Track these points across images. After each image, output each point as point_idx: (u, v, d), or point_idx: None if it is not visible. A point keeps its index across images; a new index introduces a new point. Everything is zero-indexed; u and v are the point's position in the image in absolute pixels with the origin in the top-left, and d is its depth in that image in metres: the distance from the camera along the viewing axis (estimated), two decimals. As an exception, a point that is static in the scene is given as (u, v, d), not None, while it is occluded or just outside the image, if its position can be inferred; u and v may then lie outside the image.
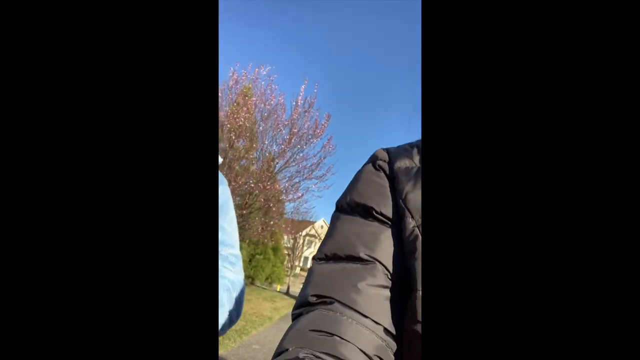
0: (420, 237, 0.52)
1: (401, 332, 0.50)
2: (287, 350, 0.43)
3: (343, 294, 0.49)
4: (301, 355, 0.41)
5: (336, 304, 0.48)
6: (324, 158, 12.08)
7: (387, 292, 0.51)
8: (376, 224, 0.56)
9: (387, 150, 0.65)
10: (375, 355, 0.46)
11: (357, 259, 0.52)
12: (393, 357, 0.48)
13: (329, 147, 12.11)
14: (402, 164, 0.61)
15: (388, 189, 0.59)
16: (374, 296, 0.49)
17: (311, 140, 11.77)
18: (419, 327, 0.48)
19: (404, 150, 0.63)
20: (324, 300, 0.49)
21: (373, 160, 0.65)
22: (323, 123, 11.84)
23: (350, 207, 0.59)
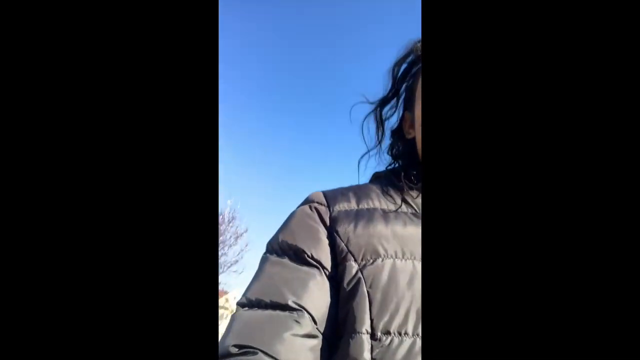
0: (362, 279, 0.52)
1: None
2: None
3: (268, 345, 0.46)
4: None
5: (260, 355, 0.45)
6: (242, 258, 15.37)
7: (313, 342, 0.49)
8: (306, 268, 0.55)
9: (324, 193, 0.64)
10: None
11: (284, 307, 0.50)
12: None
13: (246, 249, 15.60)
14: (342, 206, 0.61)
15: (322, 233, 0.58)
16: (299, 346, 0.47)
17: (232, 247, 15.17)
18: None
19: (340, 194, 0.64)
20: (246, 351, 0.46)
21: (309, 202, 0.64)
22: (242, 234, 15.53)
23: (281, 249, 0.58)
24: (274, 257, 0.57)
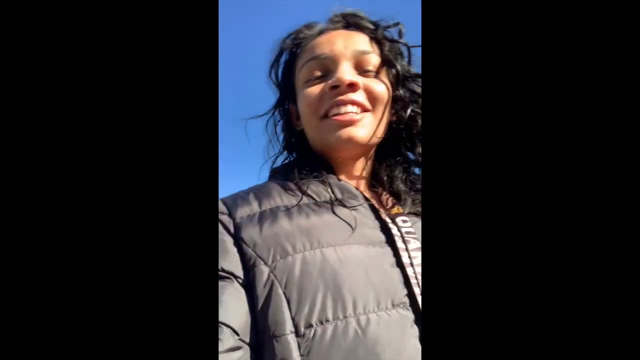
0: (276, 281, 0.52)
1: None
2: None
3: None
4: None
5: None
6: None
7: (238, 354, 0.49)
8: (219, 282, 0.54)
9: (224, 201, 0.64)
10: None
11: None
12: None
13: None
14: (244, 212, 0.61)
15: (228, 242, 0.58)
16: None
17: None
18: None
19: (241, 199, 0.64)
20: None
21: None
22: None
23: None
24: None
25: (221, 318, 0.49)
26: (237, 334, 0.50)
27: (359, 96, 0.67)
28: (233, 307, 0.51)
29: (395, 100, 0.73)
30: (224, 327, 0.49)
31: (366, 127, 0.68)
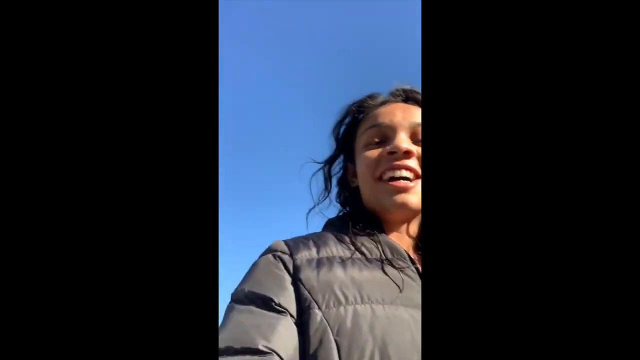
0: (329, 327, 0.54)
1: None
2: None
3: None
4: None
5: None
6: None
7: None
8: (274, 314, 0.56)
9: (286, 243, 0.68)
10: None
11: (254, 351, 0.51)
12: None
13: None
14: (304, 255, 0.65)
15: (287, 280, 0.61)
16: None
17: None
18: None
19: (302, 243, 0.68)
20: None
21: (272, 251, 0.67)
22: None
23: (247, 298, 0.59)
24: (241, 306, 0.58)
25: (273, 346, 0.51)
26: None
27: (413, 163, 0.74)
28: (285, 339, 0.54)
29: None
30: (275, 356, 0.51)
31: (419, 194, 0.73)
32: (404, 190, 0.72)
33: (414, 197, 0.73)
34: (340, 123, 0.89)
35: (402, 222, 0.77)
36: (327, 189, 0.90)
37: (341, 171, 0.91)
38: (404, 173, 0.73)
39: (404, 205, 0.72)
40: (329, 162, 0.91)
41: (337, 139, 0.90)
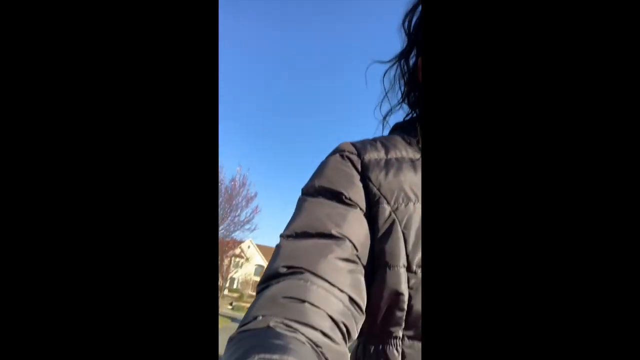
0: (397, 220, 0.57)
1: (364, 302, 0.54)
2: (256, 318, 0.43)
3: (314, 265, 0.51)
4: (272, 324, 0.42)
5: (307, 274, 0.50)
6: (253, 218, 20.46)
7: (353, 266, 0.54)
8: (344, 206, 0.58)
9: (353, 144, 0.67)
10: (341, 321, 0.49)
11: (327, 236, 0.54)
12: (354, 323, 0.52)
13: (256, 210, 20.78)
14: (372, 155, 0.64)
15: (356, 177, 0.62)
16: (342, 268, 0.52)
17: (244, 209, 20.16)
18: (388, 298, 0.54)
19: (369, 145, 0.67)
20: (295, 271, 0.50)
21: (340, 151, 0.66)
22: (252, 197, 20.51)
23: (317, 192, 0.61)
24: (312, 198, 0.60)
25: (345, 232, 0.55)
26: (357, 250, 0.55)
27: None
28: (356, 227, 0.57)
29: None
30: (347, 240, 0.54)
31: None
32: None
33: None
34: (411, 11, 0.79)
35: None
36: (403, 87, 0.79)
37: (411, 68, 0.80)
38: None
39: None
40: (403, 56, 0.79)
41: (408, 30, 0.78)
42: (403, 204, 0.58)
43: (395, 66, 0.80)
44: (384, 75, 0.80)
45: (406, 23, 0.78)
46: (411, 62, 0.80)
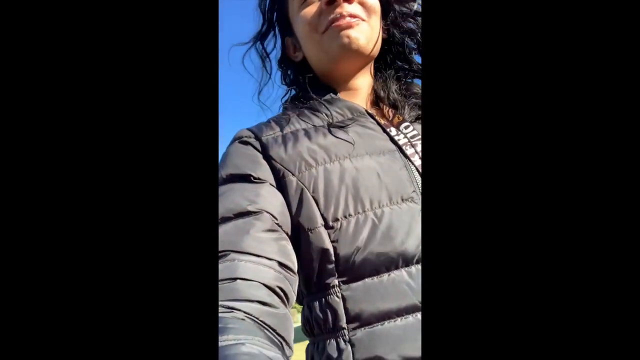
0: (304, 187, 0.61)
1: (294, 264, 0.58)
2: None
3: (238, 244, 0.53)
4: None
5: (232, 254, 0.52)
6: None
7: (276, 234, 0.57)
8: (255, 184, 0.62)
9: (249, 129, 0.72)
10: (275, 285, 0.52)
11: (245, 214, 0.57)
12: (289, 285, 0.55)
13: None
14: (268, 135, 0.69)
15: (260, 157, 0.66)
16: (266, 239, 0.55)
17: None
18: (317, 256, 0.59)
19: (264, 126, 0.72)
20: (220, 255, 0.52)
21: (238, 138, 0.71)
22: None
23: (227, 180, 0.63)
24: (224, 187, 0.63)
25: (260, 206, 0.58)
26: (276, 219, 0.58)
27: (355, 8, 0.72)
28: (270, 198, 0.60)
29: (385, 17, 0.79)
30: (264, 213, 0.57)
31: (364, 32, 0.72)
32: (348, 26, 0.70)
33: (359, 34, 0.70)
34: None
35: (355, 78, 0.77)
36: (265, 67, 0.85)
37: (279, 51, 0.85)
38: (348, 19, 0.70)
39: (350, 42, 0.70)
40: (259, 37, 0.84)
41: (263, 12, 0.83)
42: (306, 171, 0.63)
43: (257, 45, 0.84)
44: (243, 57, 0.85)
45: (262, 3, 0.83)
46: (272, 42, 0.85)
